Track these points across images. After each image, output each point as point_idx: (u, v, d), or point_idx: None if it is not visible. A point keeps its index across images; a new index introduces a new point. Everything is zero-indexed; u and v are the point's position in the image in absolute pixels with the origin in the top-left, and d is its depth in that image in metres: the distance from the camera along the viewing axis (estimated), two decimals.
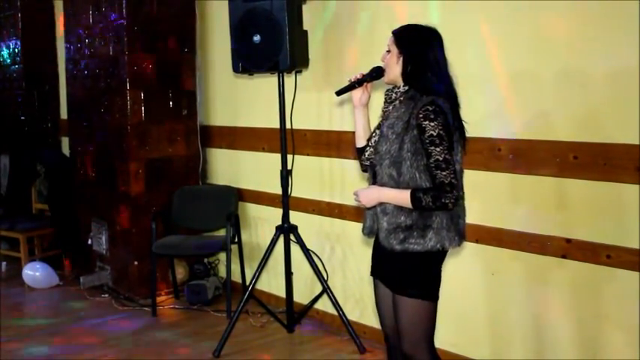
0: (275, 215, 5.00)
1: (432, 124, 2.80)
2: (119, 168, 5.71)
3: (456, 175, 2.84)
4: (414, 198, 2.83)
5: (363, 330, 4.68)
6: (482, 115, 3.93)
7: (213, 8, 5.77)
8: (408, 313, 3.01)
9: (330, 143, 4.83)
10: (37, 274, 6.16)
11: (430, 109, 2.82)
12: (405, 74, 2.97)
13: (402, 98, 2.98)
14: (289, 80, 4.68)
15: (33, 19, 7.31)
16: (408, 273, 2.99)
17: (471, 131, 3.92)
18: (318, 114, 4.90)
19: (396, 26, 3.05)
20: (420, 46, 2.95)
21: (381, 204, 2.97)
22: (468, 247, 4.03)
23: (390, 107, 3.02)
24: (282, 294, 4.99)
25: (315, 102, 4.88)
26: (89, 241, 6.15)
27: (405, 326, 3.02)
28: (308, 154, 4.98)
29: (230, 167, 5.84)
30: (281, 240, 4.72)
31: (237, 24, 4.55)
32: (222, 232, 5.56)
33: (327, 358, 4.48)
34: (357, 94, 3.18)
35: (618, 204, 3.39)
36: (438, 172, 2.82)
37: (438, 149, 2.81)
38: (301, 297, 5.06)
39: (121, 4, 5.51)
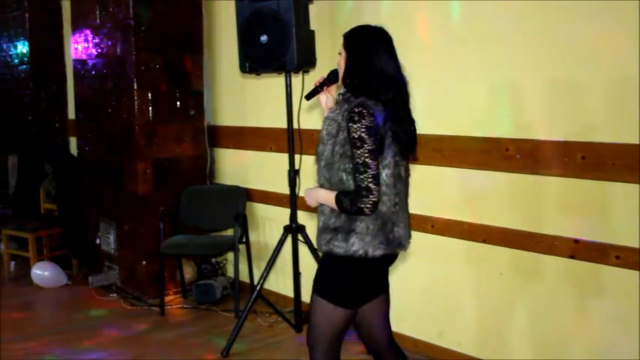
0: (283, 215, 5.00)
1: (355, 125, 2.77)
2: (127, 168, 5.72)
3: (376, 179, 2.77)
4: (337, 200, 2.84)
5: None
6: (489, 114, 3.93)
7: (220, 8, 5.77)
8: (314, 309, 3.06)
9: None
10: (46, 273, 6.18)
11: (356, 110, 2.79)
12: (343, 76, 2.97)
13: (340, 100, 2.98)
14: (296, 80, 4.68)
15: (40, 19, 7.32)
16: (323, 272, 3.04)
17: (478, 131, 3.96)
18: None
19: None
20: (360, 48, 2.93)
21: (320, 205, 2.98)
22: (476, 247, 4.03)
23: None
24: (290, 294, 5.00)
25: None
26: (97, 241, 6.17)
27: (310, 319, 3.09)
28: None
29: (238, 167, 5.84)
30: (289, 240, 4.73)
31: (244, 24, 4.55)
32: (230, 232, 5.56)
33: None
34: (322, 98, 3.21)
35: (627, 204, 3.38)
36: (357, 175, 2.78)
37: (358, 152, 2.77)
38: (309, 297, 5.03)
39: (128, 4, 5.51)
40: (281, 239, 4.70)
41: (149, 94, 5.61)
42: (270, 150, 5.40)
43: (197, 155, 5.90)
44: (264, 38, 4.46)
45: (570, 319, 3.68)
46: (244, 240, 5.50)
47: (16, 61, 7.59)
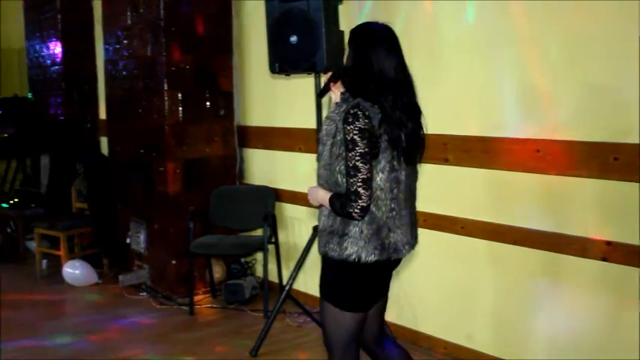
0: (312, 215, 5.00)
1: (349, 127, 2.71)
2: (157, 168, 5.76)
3: (366, 183, 2.71)
4: (330, 202, 2.81)
5: (400, 331, 4.66)
6: (519, 115, 3.90)
7: (250, 9, 5.79)
8: (322, 313, 3.04)
9: None
10: (77, 272, 6.24)
11: (351, 112, 2.73)
12: (343, 75, 2.94)
13: (340, 99, 2.94)
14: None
15: (72, 20, 7.40)
16: (324, 275, 3.00)
17: (508, 132, 3.93)
18: None
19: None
20: (361, 47, 2.87)
21: (320, 205, 2.94)
22: (506, 249, 4.00)
23: None
24: (319, 294, 4.98)
25: None
26: (127, 240, 6.22)
27: (323, 324, 3.06)
28: None
29: (267, 167, 5.85)
30: None
31: (274, 24, 4.55)
32: (259, 232, 5.58)
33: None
34: (332, 95, 3.10)
35: None
36: (348, 178, 2.73)
37: (350, 154, 2.72)
38: None
39: (159, 5, 5.55)
40: (310, 239, 4.69)
41: (179, 95, 5.64)
42: (300, 150, 5.40)
43: (226, 155, 5.92)
44: (293, 39, 4.46)
45: (602, 322, 3.64)
46: (273, 240, 5.50)
47: (49, 62, 7.67)
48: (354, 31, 2.95)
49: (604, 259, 3.56)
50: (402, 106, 2.81)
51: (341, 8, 4.61)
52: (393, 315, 4.73)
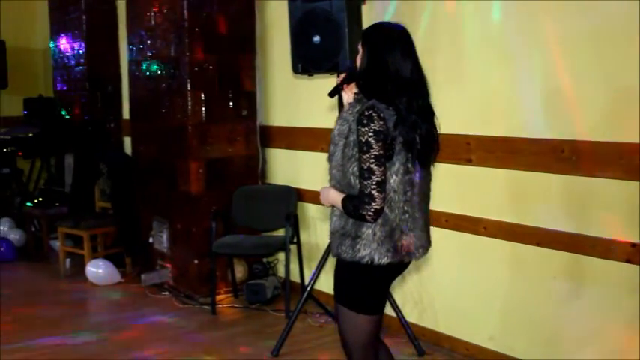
0: None
1: (363, 129, 2.69)
2: (180, 168, 5.78)
3: (380, 186, 2.69)
4: (343, 204, 2.79)
5: (422, 332, 4.65)
6: (544, 116, 3.87)
7: (272, 9, 5.80)
8: (340, 318, 3.01)
9: None
10: (100, 270, 6.27)
11: (366, 113, 2.71)
12: (357, 75, 2.91)
13: (354, 100, 2.92)
14: None
15: (97, 21, 7.44)
16: (338, 278, 2.99)
17: (532, 133, 3.91)
18: None
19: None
20: (376, 47, 2.85)
21: (332, 205, 2.91)
22: (529, 250, 3.98)
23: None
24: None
25: None
26: (150, 240, 6.25)
27: (340, 330, 3.04)
28: None
29: (289, 167, 5.86)
30: None
31: (296, 24, 4.55)
32: (281, 232, 5.58)
33: None
34: (344, 96, 3.12)
35: None
36: (361, 180, 2.71)
37: (364, 157, 2.70)
38: None
39: (182, 5, 5.58)
40: None
41: (202, 95, 5.67)
42: (322, 150, 5.38)
43: (249, 155, 5.94)
44: (316, 39, 4.45)
45: (625, 324, 3.60)
46: (295, 240, 5.51)
47: (73, 62, 7.73)
48: (368, 32, 2.95)
49: (628, 261, 3.53)
50: (417, 107, 2.80)
51: (364, 8, 4.60)
52: (414, 316, 4.72)
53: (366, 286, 2.90)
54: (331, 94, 3.17)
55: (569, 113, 3.77)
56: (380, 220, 2.76)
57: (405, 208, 2.80)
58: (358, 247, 2.79)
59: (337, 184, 2.86)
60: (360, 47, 2.92)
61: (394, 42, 2.83)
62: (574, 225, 3.77)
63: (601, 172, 3.61)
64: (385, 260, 2.78)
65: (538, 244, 3.93)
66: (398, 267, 2.92)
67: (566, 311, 3.88)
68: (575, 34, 3.69)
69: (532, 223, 3.98)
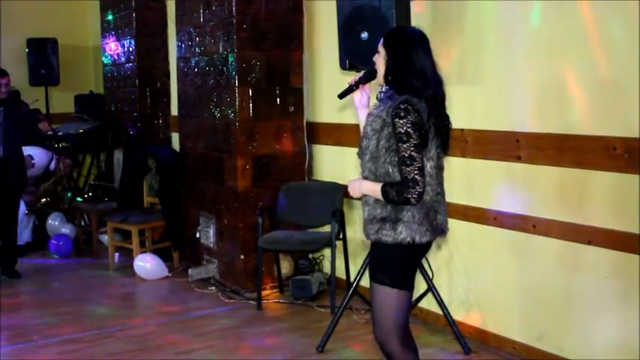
0: None
1: (401, 121, 2.95)
2: (227, 164, 5.83)
3: (421, 171, 2.95)
4: (383, 191, 2.99)
5: (468, 331, 4.62)
6: (595, 113, 3.81)
7: (320, 5, 5.80)
8: (377, 300, 3.17)
9: None
10: (148, 265, 6.35)
11: (402, 107, 2.96)
12: (385, 74, 3.13)
13: (383, 97, 3.15)
14: None
15: (146, 18, 7.52)
16: (378, 261, 3.17)
17: (583, 130, 3.85)
18: None
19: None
20: (402, 48, 3.10)
21: (364, 195, 3.13)
22: (580, 248, 3.92)
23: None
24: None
25: None
26: (197, 235, 6.30)
27: (375, 314, 3.20)
28: None
29: (336, 164, 5.86)
30: None
31: (344, 21, 4.56)
32: (327, 228, 5.58)
33: (431, 358, 4.42)
34: (356, 96, 3.40)
35: None
36: (403, 167, 2.95)
37: (404, 145, 2.95)
38: None
39: (231, 2, 5.62)
40: None
41: (250, 91, 5.70)
42: None
43: (296, 152, 5.96)
44: (364, 35, 4.45)
45: None
46: (341, 236, 5.51)
47: (123, 59, 7.83)
48: (390, 35, 3.19)
49: None
50: (441, 101, 3.10)
51: (412, 5, 4.58)
52: (460, 314, 4.69)
53: (407, 263, 3.14)
54: (341, 96, 3.40)
55: (621, 110, 3.70)
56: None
57: (438, 189, 3.10)
58: (400, 229, 3.02)
59: (371, 174, 3.08)
60: (380, 48, 3.16)
61: (416, 43, 3.12)
62: (626, 223, 3.70)
63: None
64: (425, 239, 3.06)
65: (589, 243, 3.87)
66: (430, 244, 3.18)
67: (617, 311, 3.81)
68: (621, 31, 3.62)
69: (582, 221, 3.92)
